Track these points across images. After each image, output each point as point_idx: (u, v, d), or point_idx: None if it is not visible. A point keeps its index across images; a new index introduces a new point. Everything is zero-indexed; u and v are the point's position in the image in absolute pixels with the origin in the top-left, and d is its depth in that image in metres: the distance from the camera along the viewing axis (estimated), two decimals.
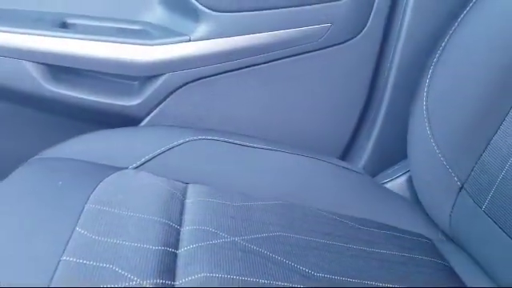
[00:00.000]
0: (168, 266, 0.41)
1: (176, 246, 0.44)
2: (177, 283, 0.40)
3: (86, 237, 0.42)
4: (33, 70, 0.66)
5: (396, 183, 0.71)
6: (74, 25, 0.70)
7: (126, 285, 0.38)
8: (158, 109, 0.70)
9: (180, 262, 0.42)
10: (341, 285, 0.43)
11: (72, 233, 0.42)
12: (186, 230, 0.46)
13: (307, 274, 0.43)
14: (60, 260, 0.39)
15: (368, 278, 0.45)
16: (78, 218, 0.44)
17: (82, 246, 0.41)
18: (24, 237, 0.42)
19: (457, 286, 0.50)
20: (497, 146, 0.53)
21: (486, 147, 0.55)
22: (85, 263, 0.39)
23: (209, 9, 0.65)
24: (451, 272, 0.53)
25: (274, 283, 0.41)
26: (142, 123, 0.70)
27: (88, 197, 0.47)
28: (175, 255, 0.43)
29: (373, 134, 0.76)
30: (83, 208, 0.46)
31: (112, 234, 0.43)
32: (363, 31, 0.70)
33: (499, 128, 0.53)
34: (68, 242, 0.41)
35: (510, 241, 0.50)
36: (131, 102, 0.69)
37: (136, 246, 0.42)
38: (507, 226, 0.50)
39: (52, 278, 0.38)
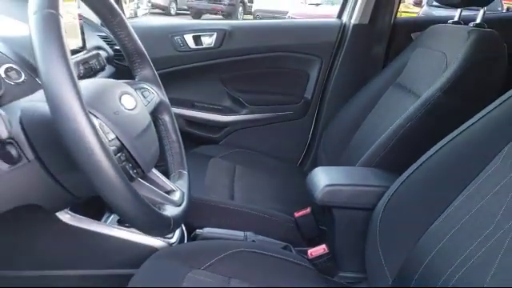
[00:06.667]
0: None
1: (233, 179, 1.54)
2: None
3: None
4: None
5: None
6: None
7: None
8: (225, 139, 1.83)
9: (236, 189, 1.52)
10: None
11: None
12: (236, 174, 1.57)
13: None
14: None
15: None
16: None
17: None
18: None
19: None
20: (352, 147, 1.61)
21: (344, 150, 1.62)
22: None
23: (248, 103, 1.80)
24: None
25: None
26: (219, 144, 1.84)
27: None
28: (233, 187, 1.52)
29: (312, 154, 1.86)
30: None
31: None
32: (305, 115, 1.82)
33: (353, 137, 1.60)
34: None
35: None
36: (215, 136, 1.83)
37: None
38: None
39: None
